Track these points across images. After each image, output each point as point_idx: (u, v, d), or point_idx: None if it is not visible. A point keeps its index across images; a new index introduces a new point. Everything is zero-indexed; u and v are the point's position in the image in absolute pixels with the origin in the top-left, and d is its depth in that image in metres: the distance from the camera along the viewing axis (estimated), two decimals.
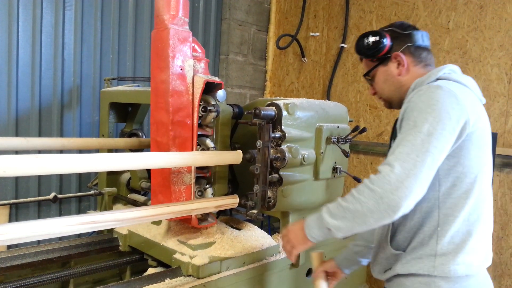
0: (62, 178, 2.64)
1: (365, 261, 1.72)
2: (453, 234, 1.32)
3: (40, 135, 2.52)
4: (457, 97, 1.27)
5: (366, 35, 1.52)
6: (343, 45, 3.29)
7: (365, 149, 3.14)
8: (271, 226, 2.42)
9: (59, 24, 2.57)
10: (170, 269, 1.78)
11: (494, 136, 2.42)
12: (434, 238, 1.33)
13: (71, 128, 2.67)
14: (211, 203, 1.73)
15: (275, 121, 1.85)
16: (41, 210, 2.60)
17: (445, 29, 2.78)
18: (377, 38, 1.49)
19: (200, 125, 1.88)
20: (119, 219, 1.37)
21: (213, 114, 1.86)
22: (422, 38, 1.53)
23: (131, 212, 1.39)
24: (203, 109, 1.86)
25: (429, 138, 1.21)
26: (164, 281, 1.69)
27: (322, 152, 2.00)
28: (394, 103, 1.58)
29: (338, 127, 2.07)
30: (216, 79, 1.85)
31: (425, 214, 1.35)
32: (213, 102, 1.86)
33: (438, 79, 1.40)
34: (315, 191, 2.05)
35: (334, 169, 2.07)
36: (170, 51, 1.73)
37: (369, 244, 1.67)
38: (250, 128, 2.14)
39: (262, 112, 1.77)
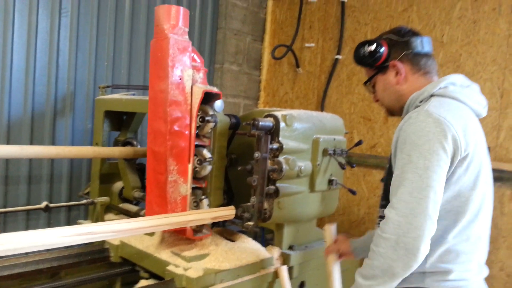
0: (52, 187, 2.60)
1: None
2: (442, 254, 1.34)
3: (32, 142, 2.48)
4: (447, 125, 1.27)
5: (363, 44, 1.50)
6: (338, 56, 3.31)
7: (358, 161, 3.12)
8: (264, 237, 2.40)
9: (55, 30, 2.55)
10: (164, 281, 1.75)
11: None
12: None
13: (64, 135, 2.62)
14: (208, 214, 1.71)
15: (273, 133, 1.84)
16: (30, 219, 2.54)
17: (440, 43, 2.81)
18: (373, 47, 1.48)
19: (197, 135, 1.86)
20: (116, 230, 1.35)
21: (211, 125, 1.85)
22: (421, 44, 1.50)
23: (128, 223, 1.36)
24: (200, 119, 1.85)
25: (427, 172, 1.23)
26: None
27: (318, 164, 1.99)
28: (395, 111, 1.56)
29: (334, 139, 2.07)
30: (214, 89, 1.84)
31: None
32: (211, 112, 1.85)
33: (432, 95, 1.39)
34: (311, 203, 2.05)
35: (330, 181, 2.07)
36: (169, 60, 1.73)
37: None
38: (246, 139, 2.13)
39: (260, 123, 1.76)
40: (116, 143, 2.41)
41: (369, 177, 3.12)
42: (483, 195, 1.38)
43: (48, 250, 1.97)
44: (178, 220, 1.55)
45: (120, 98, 2.20)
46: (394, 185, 1.28)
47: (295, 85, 3.63)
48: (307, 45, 3.52)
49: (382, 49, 1.47)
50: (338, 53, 3.32)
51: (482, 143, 1.39)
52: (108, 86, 2.53)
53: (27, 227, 2.51)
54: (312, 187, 2.00)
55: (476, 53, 2.67)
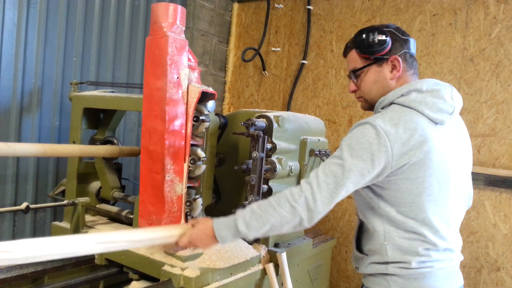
0: (17, 187, 2.44)
1: None
2: (400, 246, 1.46)
3: None
4: (386, 141, 1.37)
5: (372, 30, 1.48)
6: (304, 61, 3.43)
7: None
8: None
9: (22, 22, 2.40)
10: (161, 282, 1.73)
11: None
12: (383, 249, 1.49)
13: (30, 133, 2.48)
14: None
15: (266, 133, 1.90)
16: None
17: None
18: (384, 37, 1.47)
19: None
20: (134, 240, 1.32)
21: (206, 124, 1.85)
22: (414, 46, 1.55)
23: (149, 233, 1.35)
24: (195, 119, 1.85)
25: (349, 173, 1.38)
26: None
27: (306, 164, 2.08)
28: (374, 105, 1.58)
29: (319, 140, 2.16)
30: (210, 89, 1.85)
31: (373, 230, 1.52)
32: (206, 112, 1.86)
33: (392, 103, 1.48)
34: None
35: None
36: (168, 59, 1.71)
37: None
38: (231, 139, 2.16)
39: (257, 123, 1.81)
40: (92, 142, 2.32)
41: None
42: (437, 198, 1.46)
43: None
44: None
45: (103, 96, 2.12)
46: (321, 167, 1.44)
47: (260, 88, 3.70)
48: (273, 49, 3.61)
49: (389, 41, 1.47)
50: (304, 58, 3.44)
51: (440, 150, 1.43)
52: (81, 83, 2.43)
53: None
54: None
55: (434, 63, 2.90)
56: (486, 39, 2.71)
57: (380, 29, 1.49)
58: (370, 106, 1.62)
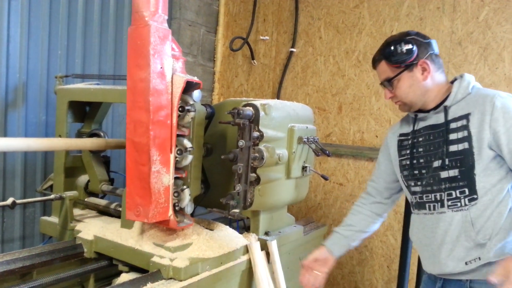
0: (5, 183, 2.42)
1: (355, 244, 1.89)
2: None
3: None
4: None
5: (398, 42, 1.59)
6: (292, 49, 3.40)
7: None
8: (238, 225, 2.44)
9: (4, 15, 2.36)
10: (150, 273, 1.73)
11: None
12: None
13: (16, 128, 2.45)
14: None
15: (252, 121, 1.88)
16: None
17: None
18: (410, 45, 1.58)
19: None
20: None
21: (192, 114, 1.84)
22: (436, 46, 1.67)
23: None
24: (180, 109, 1.83)
25: None
26: (146, 285, 1.64)
27: (294, 152, 2.07)
28: (416, 106, 1.68)
29: (307, 127, 2.15)
30: (195, 79, 1.83)
31: (503, 204, 1.51)
32: (191, 102, 1.84)
33: (469, 93, 1.61)
34: (286, 190, 2.12)
35: (304, 168, 2.16)
36: (151, 48, 1.69)
37: (362, 229, 1.86)
38: (219, 128, 2.15)
39: (243, 112, 1.80)
40: (79, 135, 2.30)
41: (325, 164, 3.26)
42: None
43: (22, 247, 1.86)
44: None
45: (88, 88, 2.10)
46: None
47: (250, 77, 3.68)
48: (261, 37, 3.58)
49: (415, 48, 1.58)
50: (293, 46, 3.41)
51: None
52: (66, 76, 2.40)
53: None
54: (288, 174, 2.07)
55: None
56: (474, 22, 2.70)
57: (405, 39, 1.60)
58: (409, 108, 1.71)
